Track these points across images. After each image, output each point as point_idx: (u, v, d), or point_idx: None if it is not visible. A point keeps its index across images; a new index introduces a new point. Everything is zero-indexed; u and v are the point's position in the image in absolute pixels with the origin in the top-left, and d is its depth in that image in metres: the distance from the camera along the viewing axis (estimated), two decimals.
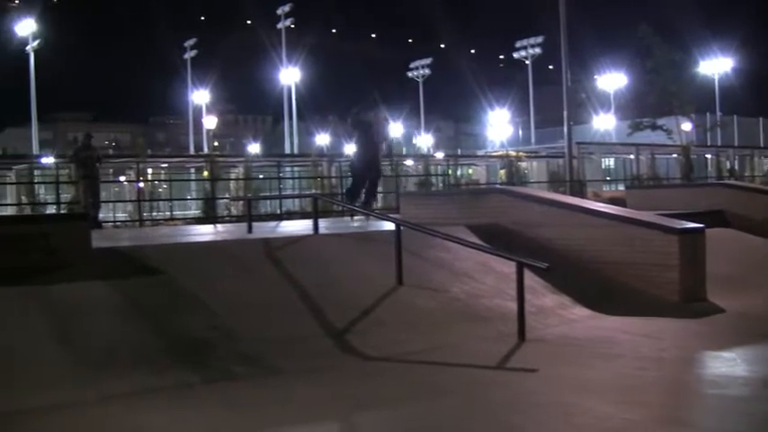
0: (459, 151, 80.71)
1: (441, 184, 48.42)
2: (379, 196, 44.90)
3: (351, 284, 12.39)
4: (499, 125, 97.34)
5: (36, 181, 39.92)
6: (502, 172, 57.07)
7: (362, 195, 20.17)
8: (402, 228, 13.20)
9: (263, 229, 17.67)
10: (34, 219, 15.47)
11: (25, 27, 60.40)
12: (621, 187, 48.15)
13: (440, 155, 64.59)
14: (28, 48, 59.14)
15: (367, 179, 20.33)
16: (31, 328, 9.78)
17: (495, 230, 15.83)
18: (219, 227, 24.20)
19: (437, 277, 13.44)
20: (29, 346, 9.46)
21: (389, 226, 14.26)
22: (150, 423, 7.94)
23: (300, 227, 18.54)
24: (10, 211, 36.59)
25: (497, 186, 38.94)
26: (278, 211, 35.46)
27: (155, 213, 38.41)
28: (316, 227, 15.07)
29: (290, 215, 32.11)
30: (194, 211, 40.41)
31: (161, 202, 42.29)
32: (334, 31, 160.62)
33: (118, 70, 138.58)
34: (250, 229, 16.64)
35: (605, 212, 15.59)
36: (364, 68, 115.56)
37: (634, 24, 58.73)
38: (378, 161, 21.04)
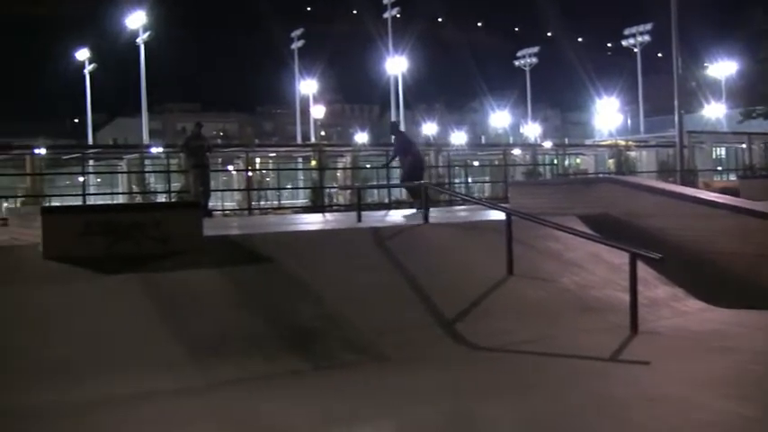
0: (566, 140, 79.77)
1: (548, 174, 47.91)
2: (486, 186, 44.79)
3: (460, 273, 12.33)
4: (607, 114, 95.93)
5: (146, 170, 40.70)
6: (610, 161, 56.21)
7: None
8: (512, 217, 13.07)
9: (372, 218, 17.71)
10: (148, 207, 15.78)
11: (136, 20, 61.66)
12: (733, 177, 47.01)
13: (547, 144, 63.90)
14: (138, 40, 60.37)
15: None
16: (145, 314, 9.97)
17: (605, 220, 15.58)
18: (328, 216, 24.33)
19: (547, 267, 13.29)
20: (143, 332, 9.63)
21: (497, 215, 14.14)
22: (262, 409, 8.01)
23: (409, 216, 18.51)
24: (121, 199, 37.37)
25: (607, 176, 38.39)
26: (385, 201, 35.51)
27: (262, 202, 38.81)
28: (426, 216, 15.02)
29: (399, 204, 32.13)
30: (302, 200, 40.73)
31: (269, 191, 42.71)
32: (440, 19, 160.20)
33: (226, 61, 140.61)
34: (359, 218, 16.68)
35: (722, 203, 15.20)
36: (471, 57, 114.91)
37: (746, 10, 57.28)
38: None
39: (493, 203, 17.88)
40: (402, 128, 23.80)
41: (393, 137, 22.89)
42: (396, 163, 23.54)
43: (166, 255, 11.14)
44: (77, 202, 32.39)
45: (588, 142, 72.30)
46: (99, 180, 48.74)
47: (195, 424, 7.69)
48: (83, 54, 70.28)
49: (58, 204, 27.34)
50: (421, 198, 19.02)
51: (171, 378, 8.79)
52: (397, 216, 20.18)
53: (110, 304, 10.08)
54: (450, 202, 27.67)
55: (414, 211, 20.31)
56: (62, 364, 8.87)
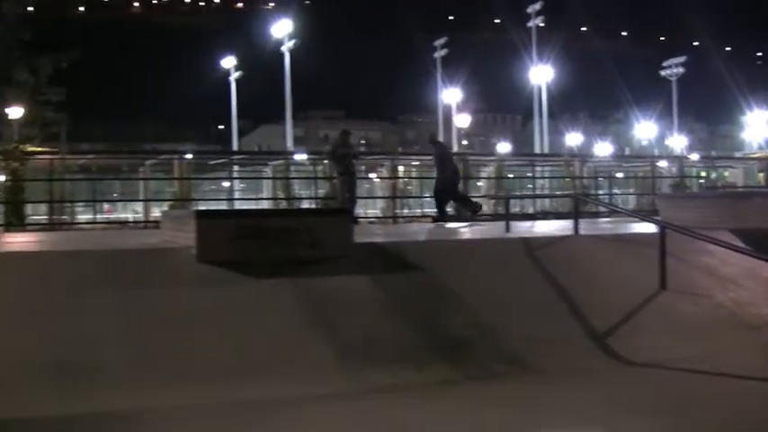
0: (713, 153, 77.65)
1: (694, 187, 46.67)
2: (631, 198, 43.88)
3: (611, 286, 12.07)
4: (757, 126, 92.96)
5: (291, 176, 41.25)
6: (761, 175, 54.43)
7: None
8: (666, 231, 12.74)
9: (520, 229, 17.49)
10: (299, 213, 15.97)
11: (281, 28, 62.63)
12: None
13: (694, 156, 62.33)
14: (283, 48, 61.27)
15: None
16: (295, 319, 10.08)
17: (759, 235, 15.01)
18: (474, 225, 24.17)
19: (701, 282, 12.89)
20: (293, 336, 9.73)
21: (645, 228, 13.82)
22: (412, 417, 7.98)
23: (557, 227, 18.25)
24: (266, 204, 37.96)
25: (761, 189, 37.20)
26: (530, 211, 35.19)
27: (405, 210, 38.89)
28: (576, 227, 14.77)
29: (545, 215, 31.74)
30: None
31: (411, 200, 42.73)
32: (584, 29, 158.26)
33: (369, 69, 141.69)
34: (508, 228, 16.51)
35: None
36: (615, 67, 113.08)
37: None
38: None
39: (646, 216, 17.43)
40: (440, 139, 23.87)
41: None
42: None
43: (317, 260, 11.22)
44: (223, 206, 33.03)
45: (738, 155, 70.23)
46: (243, 185, 49.59)
47: (344, 430, 7.71)
48: (229, 62, 71.74)
49: (211, 209, 27.94)
50: (443, 212, 21.07)
51: (320, 383, 8.84)
52: (544, 226, 19.93)
53: (260, 308, 10.21)
54: (596, 214, 27.19)
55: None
56: (213, 366, 9.02)
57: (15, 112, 29.37)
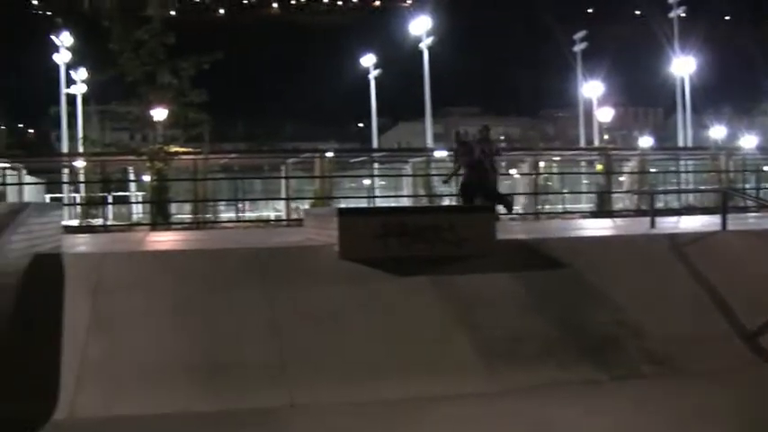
0: None
1: None
2: None
3: (761, 284, 11.61)
4: None
5: (431, 173, 41.23)
6: None
7: None
8: None
9: (665, 225, 17.05)
10: (443, 210, 15.91)
11: (419, 25, 62.65)
12: None
13: None
14: (421, 45, 61.26)
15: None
16: (438, 316, 10.05)
17: None
18: (617, 221, 23.72)
19: None
20: (436, 334, 9.70)
21: None
22: (557, 418, 7.88)
23: (703, 222, 17.76)
24: (406, 201, 38.05)
25: None
26: (675, 206, 34.37)
27: (546, 206, 38.47)
28: (723, 222, 14.31)
29: (690, 210, 30.92)
30: (586, 204, 40.10)
31: (552, 196, 42.26)
32: (727, 18, 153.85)
33: (507, 64, 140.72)
34: (653, 224, 16.12)
35: None
36: (761, 57, 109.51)
37: None
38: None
39: None
40: (469, 138, 22.16)
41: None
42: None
43: (460, 257, 11.13)
44: (364, 204, 33.24)
45: None
46: (384, 183, 49.86)
47: (490, 429, 7.64)
48: (368, 60, 72.14)
49: (354, 206, 28.17)
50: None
51: (464, 382, 8.82)
52: (690, 222, 19.37)
53: (403, 305, 10.21)
54: (744, 209, 26.32)
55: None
56: (358, 364, 9.06)
57: (160, 113, 30.12)
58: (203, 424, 7.93)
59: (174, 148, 30.56)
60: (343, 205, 33.55)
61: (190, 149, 33.34)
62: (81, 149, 39.01)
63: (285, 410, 8.24)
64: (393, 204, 35.81)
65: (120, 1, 28.51)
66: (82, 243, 14.71)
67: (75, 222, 31.96)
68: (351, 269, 10.84)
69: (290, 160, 43.27)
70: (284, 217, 35.05)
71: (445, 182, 23.87)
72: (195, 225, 28.08)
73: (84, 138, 40.67)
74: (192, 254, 11.80)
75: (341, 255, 11.13)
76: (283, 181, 40.52)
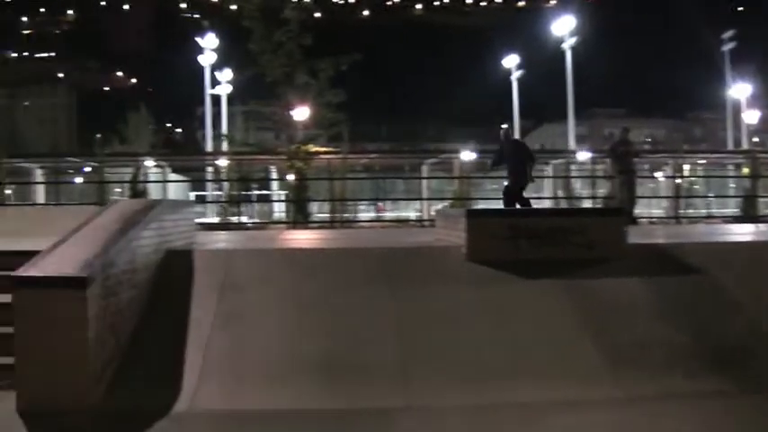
0: None
1: None
2: None
3: None
4: None
5: (572, 175, 40.73)
6: None
7: None
8: None
9: None
10: (573, 212, 15.63)
11: (562, 26, 61.89)
12: None
13: None
14: (564, 45, 60.53)
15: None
16: (564, 320, 9.84)
17: None
18: (761, 226, 22.87)
19: None
20: (561, 338, 9.50)
21: None
22: (684, 430, 7.56)
23: None
24: (546, 203, 37.65)
25: None
26: None
27: (690, 211, 37.52)
28: None
29: None
30: (731, 209, 38.93)
31: (697, 200, 41.18)
32: None
33: (653, 65, 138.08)
34: None
35: None
36: None
37: None
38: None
39: None
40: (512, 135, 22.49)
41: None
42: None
43: (590, 261, 10.90)
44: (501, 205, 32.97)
45: None
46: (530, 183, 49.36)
47: None
48: (510, 61, 71.58)
49: (482, 208, 27.97)
50: None
51: (588, 388, 8.59)
52: None
53: (529, 309, 10.04)
54: None
55: None
56: (482, 366, 8.93)
57: (300, 113, 30.50)
58: (319, 421, 7.93)
59: (313, 148, 30.89)
60: (481, 206, 33.41)
61: (329, 149, 33.70)
62: (225, 148, 39.89)
63: (400, 411, 8.17)
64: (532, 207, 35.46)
65: (260, 2, 28.90)
66: (215, 240, 14.95)
67: (215, 220, 32.73)
68: (477, 271, 10.74)
69: (429, 161, 43.36)
70: (425, 217, 35.11)
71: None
72: (333, 224, 28.32)
73: (226, 136, 41.55)
74: (319, 252, 11.87)
75: (468, 256, 11.05)
76: (422, 181, 40.66)
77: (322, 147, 32.35)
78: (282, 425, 7.85)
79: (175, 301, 10.09)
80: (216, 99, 56.45)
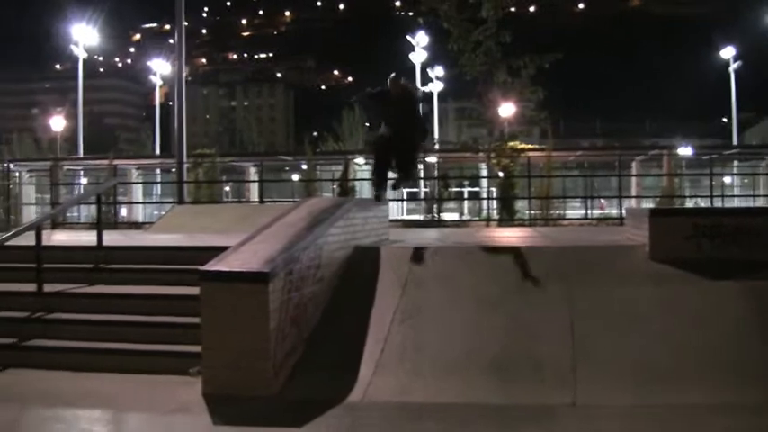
0: None
1: None
2: None
3: None
4: None
5: None
6: None
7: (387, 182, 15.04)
8: None
9: None
10: (759, 212, 15.03)
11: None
12: None
13: None
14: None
15: (387, 163, 14.74)
16: (743, 325, 9.63)
17: None
18: None
19: None
20: (737, 342, 9.35)
21: None
22: None
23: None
24: (761, 201, 36.36)
25: None
26: None
27: None
28: None
29: None
30: None
31: None
32: None
33: None
34: None
35: None
36: None
37: None
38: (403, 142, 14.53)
39: None
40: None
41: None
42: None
43: None
44: (717, 203, 32.06)
45: None
46: (746, 181, 47.73)
47: None
48: (728, 52, 69.15)
49: (667, 207, 27.34)
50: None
51: (752, 394, 8.44)
52: None
53: (707, 311, 9.87)
54: None
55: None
56: (646, 367, 8.95)
57: (505, 110, 30.58)
58: (486, 416, 8.15)
59: (519, 145, 30.88)
60: (691, 204, 32.62)
61: (534, 147, 33.58)
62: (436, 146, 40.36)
63: (565, 409, 8.31)
64: (745, 205, 34.39)
65: (458, 4, 29.11)
66: (407, 237, 15.29)
67: (417, 217, 33.27)
68: (658, 270, 10.66)
69: (639, 157, 42.55)
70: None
71: None
72: (536, 221, 28.28)
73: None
74: (504, 250, 11.99)
75: (651, 255, 10.97)
76: (632, 179, 39.98)
77: (528, 144, 32.23)
78: (450, 418, 8.09)
79: (358, 296, 10.53)
80: (429, 97, 57.21)
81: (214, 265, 9.18)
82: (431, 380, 9.00)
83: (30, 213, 34.14)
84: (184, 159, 25.04)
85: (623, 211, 21.10)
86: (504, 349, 9.42)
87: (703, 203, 33.02)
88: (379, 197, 14.55)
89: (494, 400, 8.53)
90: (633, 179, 40.09)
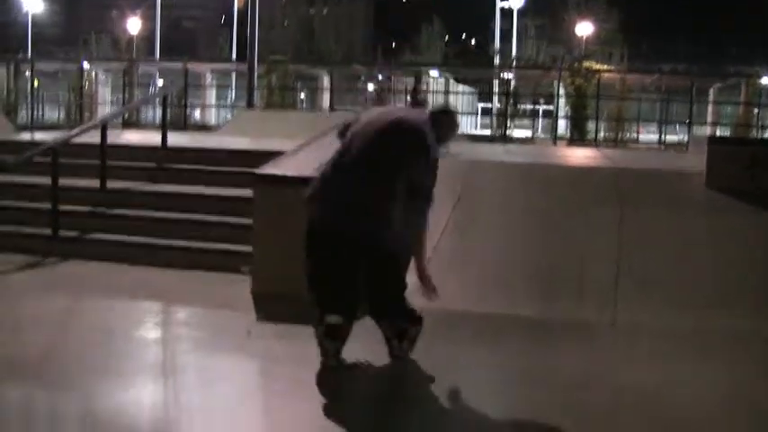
0: None
1: None
2: None
3: None
4: None
5: None
6: None
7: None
8: None
9: None
10: None
11: None
12: None
13: None
14: None
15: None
16: None
17: None
18: None
19: None
20: None
21: None
22: None
23: None
24: None
25: None
26: None
27: None
28: None
29: None
30: None
31: None
32: None
33: None
34: None
35: None
36: None
37: None
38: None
39: None
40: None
41: None
42: None
43: None
44: None
45: None
46: None
47: None
48: None
49: (728, 135, 26.79)
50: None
51: None
52: None
53: (757, 241, 9.85)
54: None
55: None
56: (688, 292, 9.04)
57: (582, 29, 30.23)
58: (521, 326, 8.34)
59: (595, 65, 30.54)
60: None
61: (609, 68, 33.17)
62: (497, 61, 40.05)
63: (603, 327, 8.45)
64: None
65: None
66: (471, 151, 15.28)
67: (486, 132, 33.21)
68: (712, 198, 10.66)
69: (717, 84, 41.72)
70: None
71: None
72: (607, 144, 28.05)
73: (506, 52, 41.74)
74: (562, 169, 12.04)
75: (707, 183, 10.94)
76: (709, 106, 39.33)
77: (604, 64, 31.85)
78: (486, 327, 8.27)
79: None
80: (509, 14, 56.54)
81: (268, 169, 9.39)
82: (474, 289, 9.15)
83: (103, 113, 34.74)
84: (255, 64, 25.14)
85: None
86: (549, 265, 9.53)
87: None
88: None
89: (532, 313, 8.69)
90: (709, 106, 39.39)
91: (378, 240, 6.61)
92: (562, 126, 32.72)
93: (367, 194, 6.57)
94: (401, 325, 6.96)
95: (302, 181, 8.91)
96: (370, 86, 47.41)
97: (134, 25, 64.77)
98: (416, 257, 7.07)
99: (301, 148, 10.24)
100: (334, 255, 6.59)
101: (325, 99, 37.70)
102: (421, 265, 7.07)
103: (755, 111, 34.80)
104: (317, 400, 6.14)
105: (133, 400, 6.11)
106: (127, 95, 32.21)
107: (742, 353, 7.76)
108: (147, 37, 65.52)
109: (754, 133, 31.71)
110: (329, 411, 5.94)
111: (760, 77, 39.35)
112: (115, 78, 40.11)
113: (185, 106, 30.63)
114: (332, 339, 6.60)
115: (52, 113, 32.26)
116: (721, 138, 14.70)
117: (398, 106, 16.57)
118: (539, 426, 5.91)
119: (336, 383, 6.55)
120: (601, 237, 9.94)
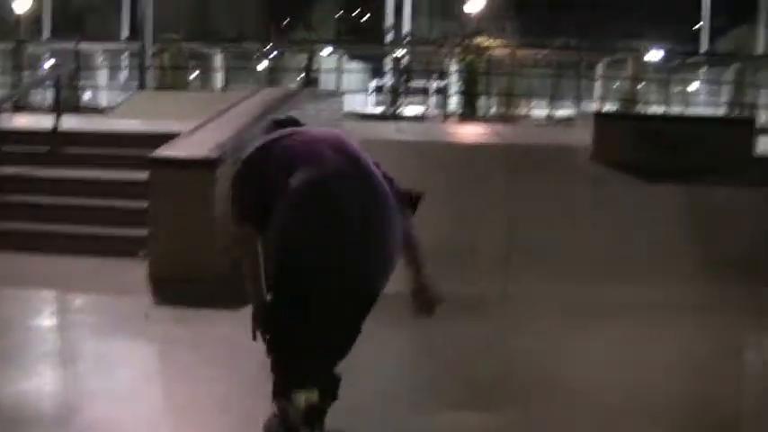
0: None
1: None
2: None
3: None
4: None
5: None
6: None
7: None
8: None
9: None
10: (699, 120, 15.43)
11: None
12: None
13: None
14: None
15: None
16: (672, 226, 10.05)
17: None
18: None
19: None
20: (666, 242, 9.77)
21: None
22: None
23: None
24: (722, 110, 36.54)
25: None
26: None
27: None
28: None
29: None
30: None
31: None
32: None
33: None
34: None
35: None
36: None
37: None
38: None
39: None
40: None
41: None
42: None
43: (711, 170, 10.90)
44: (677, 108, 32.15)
45: None
46: (714, 88, 47.76)
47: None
48: None
49: (613, 111, 27.24)
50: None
51: (682, 292, 8.82)
52: None
53: (641, 212, 10.31)
54: None
55: None
56: (577, 262, 9.42)
57: (473, 5, 30.46)
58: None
59: (486, 42, 30.82)
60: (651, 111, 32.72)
61: (500, 43, 33.47)
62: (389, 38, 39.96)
63: (495, 298, 8.72)
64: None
65: None
66: (361, 130, 15.43)
67: (378, 110, 33.28)
68: (598, 172, 11.09)
69: (605, 59, 42.46)
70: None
71: None
72: (497, 120, 28.39)
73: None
74: (450, 146, 12.29)
75: (593, 157, 11.30)
76: (597, 81, 40.00)
77: (493, 40, 32.14)
78: (385, 303, 8.39)
79: None
80: None
81: (163, 151, 9.41)
82: None
83: None
84: (147, 44, 24.88)
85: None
86: (441, 241, 9.70)
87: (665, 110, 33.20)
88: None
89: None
90: (598, 81, 40.09)
91: (384, 277, 4.60)
92: (455, 103, 32.97)
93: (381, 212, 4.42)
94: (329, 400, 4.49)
95: (199, 162, 9.01)
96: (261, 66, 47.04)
97: (21, 4, 62.82)
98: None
99: (196, 130, 10.26)
100: (328, 303, 4.37)
101: (219, 79, 37.37)
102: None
103: (640, 85, 35.59)
104: (216, 382, 6.21)
105: (35, 389, 6.12)
106: (15, 78, 31.49)
107: (627, 319, 8.07)
108: (37, 17, 63.61)
109: (639, 108, 32.39)
110: (228, 394, 6.00)
111: (646, 52, 40.21)
112: (2, 59, 39.14)
113: (77, 88, 30.08)
114: (311, 425, 4.34)
115: None
116: (606, 113, 15.11)
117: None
118: (437, 395, 6.17)
119: (236, 365, 6.62)
120: (491, 212, 10.23)
